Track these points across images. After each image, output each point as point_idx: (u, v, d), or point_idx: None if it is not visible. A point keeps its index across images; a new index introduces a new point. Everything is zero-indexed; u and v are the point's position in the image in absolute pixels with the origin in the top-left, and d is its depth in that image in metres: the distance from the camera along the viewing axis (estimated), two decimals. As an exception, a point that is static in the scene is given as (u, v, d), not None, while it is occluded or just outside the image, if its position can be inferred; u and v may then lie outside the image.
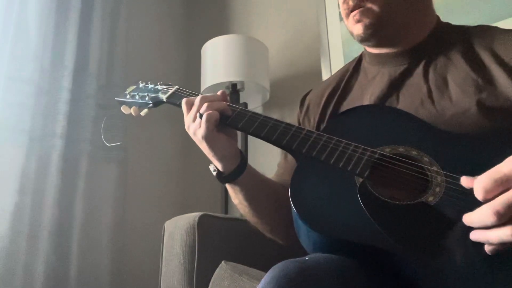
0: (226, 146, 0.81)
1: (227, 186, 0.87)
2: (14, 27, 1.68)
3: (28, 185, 1.60)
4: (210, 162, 0.85)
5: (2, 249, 1.48)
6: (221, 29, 2.27)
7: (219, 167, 0.83)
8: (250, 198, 0.87)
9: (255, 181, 0.88)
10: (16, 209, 1.54)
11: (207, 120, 0.78)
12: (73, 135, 1.77)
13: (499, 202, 0.50)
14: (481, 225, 0.52)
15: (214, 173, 0.84)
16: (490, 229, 0.51)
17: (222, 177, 0.84)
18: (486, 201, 0.52)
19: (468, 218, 0.54)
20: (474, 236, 0.53)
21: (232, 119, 0.81)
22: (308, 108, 1.01)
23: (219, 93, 0.84)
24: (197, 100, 0.82)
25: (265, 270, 0.59)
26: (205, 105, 0.80)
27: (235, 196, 0.88)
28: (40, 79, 1.71)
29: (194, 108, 0.81)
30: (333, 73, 1.73)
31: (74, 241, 1.68)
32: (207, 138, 0.79)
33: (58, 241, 1.63)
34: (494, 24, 0.87)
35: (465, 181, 0.59)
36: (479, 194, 0.52)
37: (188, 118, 0.83)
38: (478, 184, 0.52)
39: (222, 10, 2.36)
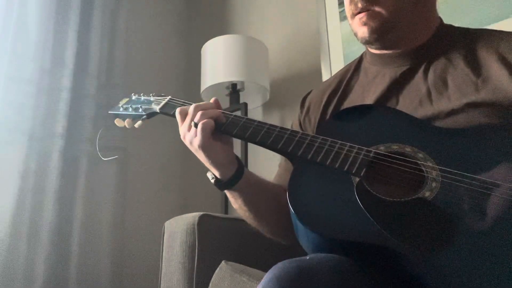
0: (223, 153, 0.81)
1: (226, 192, 0.87)
2: (14, 27, 1.69)
3: (28, 185, 1.60)
4: None
5: (2, 249, 1.49)
6: (221, 29, 2.27)
7: (217, 174, 0.83)
8: (249, 202, 0.87)
9: (254, 186, 0.88)
10: (16, 209, 1.54)
11: (203, 129, 0.77)
12: (73, 135, 1.77)
13: None
14: None
15: (212, 181, 0.84)
16: None
17: (220, 184, 0.83)
18: None
19: None
20: None
21: (227, 126, 0.80)
22: (308, 108, 1.00)
23: (212, 100, 0.84)
24: (191, 109, 0.81)
25: (265, 270, 0.59)
26: (199, 113, 0.79)
27: (235, 201, 0.88)
28: (40, 79, 1.72)
29: (188, 118, 0.81)
30: (333, 73, 1.74)
31: (74, 241, 1.68)
32: (204, 147, 0.78)
33: (58, 241, 1.63)
34: (494, 24, 0.87)
35: None
36: None
37: (183, 128, 0.82)
38: None
39: (222, 10, 2.36)
